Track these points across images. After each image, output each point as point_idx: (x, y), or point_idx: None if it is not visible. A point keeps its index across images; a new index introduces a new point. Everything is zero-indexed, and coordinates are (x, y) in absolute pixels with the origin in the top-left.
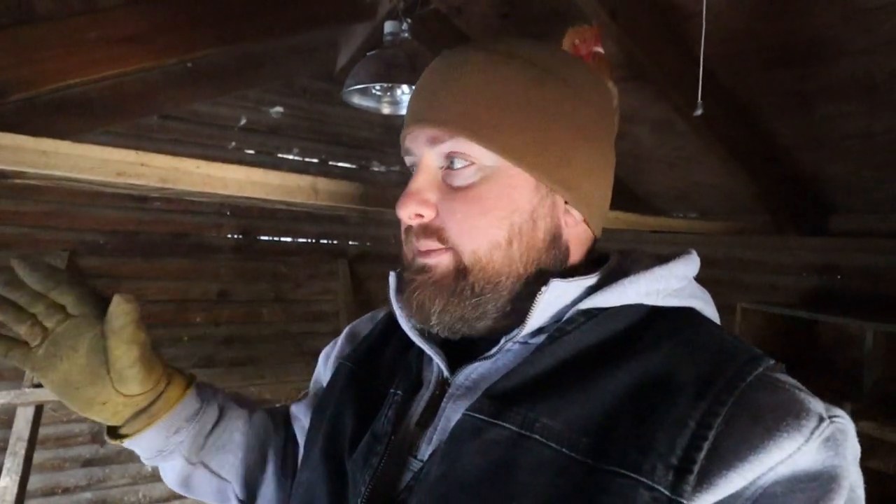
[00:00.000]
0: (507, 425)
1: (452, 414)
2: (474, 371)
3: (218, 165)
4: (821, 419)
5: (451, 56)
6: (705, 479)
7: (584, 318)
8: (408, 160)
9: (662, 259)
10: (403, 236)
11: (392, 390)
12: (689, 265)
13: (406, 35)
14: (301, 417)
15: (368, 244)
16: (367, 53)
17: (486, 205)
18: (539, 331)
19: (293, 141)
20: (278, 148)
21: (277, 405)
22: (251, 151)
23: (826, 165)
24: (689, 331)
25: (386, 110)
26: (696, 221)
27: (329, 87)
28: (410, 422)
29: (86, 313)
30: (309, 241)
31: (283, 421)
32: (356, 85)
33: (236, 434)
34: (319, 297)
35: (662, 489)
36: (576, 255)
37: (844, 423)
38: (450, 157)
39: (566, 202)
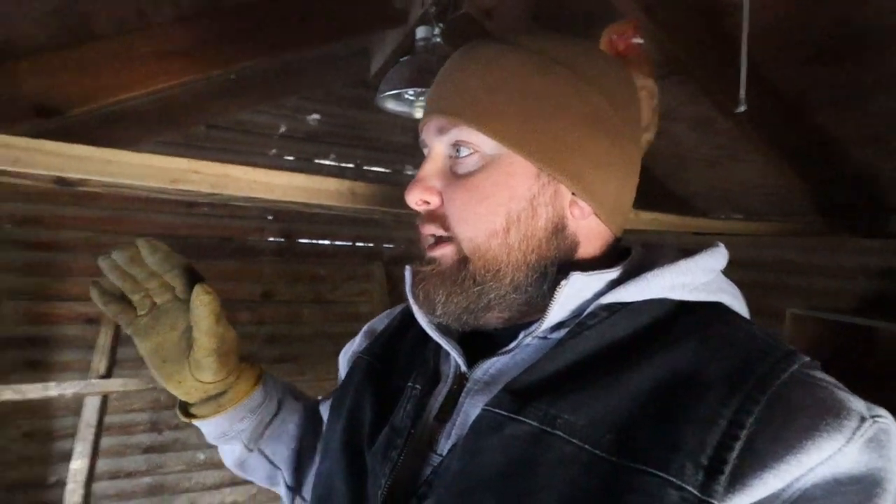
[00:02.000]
0: (528, 421)
1: (471, 409)
2: (492, 366)
3: (263, 171)
4: (863, 419)
5: (463, 50)
6: (738, 480)
7: (607, 313)
8: (425, 152)
9: (688, 253)
10: (418, 224)
11: (410, 384)
12: (715, 258)
13: (437, 40)
14: (324, 415)
15: (402, 247)
16: (400, 59)
17: (484, 192)
18: (559, 325)
19: (330, 147)
20: (316, 154)
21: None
22: (291, 158)
23: (883, 162)
24: (718, 326)
25: (419, 114)
26: (741, 223)
27: (363, 93)
28: (429, 416)
29: (189, 299)
30: (346, 244)
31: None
32: (389, 91)
33: (291, 426)
34: (356, 299)
35: (692, 489)
36: (589, 248)
37: (888, 423)
38: (456, 146)
39: (573, 193)
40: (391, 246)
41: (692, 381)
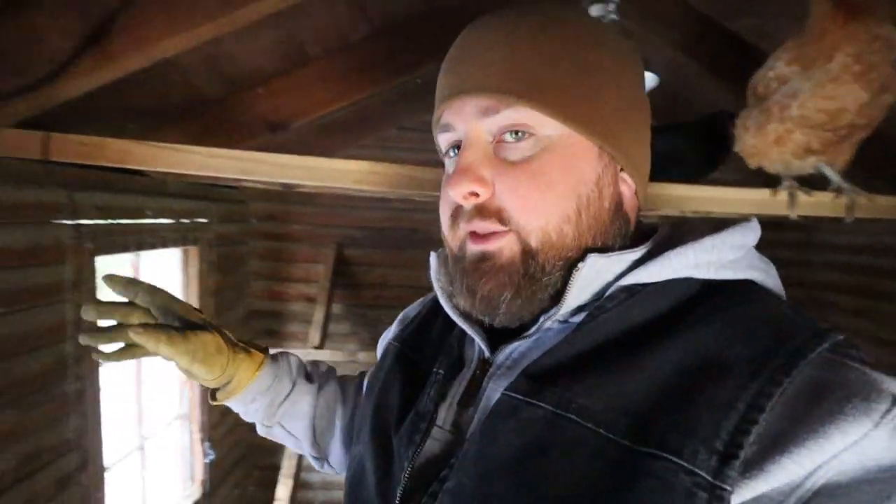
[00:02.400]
0: (543, 405)
1: (493, 393)
2: (515, 350)
3: (431, 170)
4: (894, 402)
5: (493, 21)
6: (756, 465)
7: (626, 295)
8: (445, 138)
9: (717, 229)
10: (449, 220)
11: (435, 370)
12: (745, 234)
13: (613, 17)
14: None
15: None
16: None
17: (552, 178)
18: (581, 308)
19: None
20: None
21: (356, 374)
22: None
23: None
24: (744, 306)
25: None
26: None
27: None
28: (453, 401)
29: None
30: None
31: (355, 391)
32: None
33: (304, 405)
34: None
35: (704, 474)
36: (630, 225)
37: None
38: (504, 129)
39: (622, 170)
40: None
41: (713, 363)
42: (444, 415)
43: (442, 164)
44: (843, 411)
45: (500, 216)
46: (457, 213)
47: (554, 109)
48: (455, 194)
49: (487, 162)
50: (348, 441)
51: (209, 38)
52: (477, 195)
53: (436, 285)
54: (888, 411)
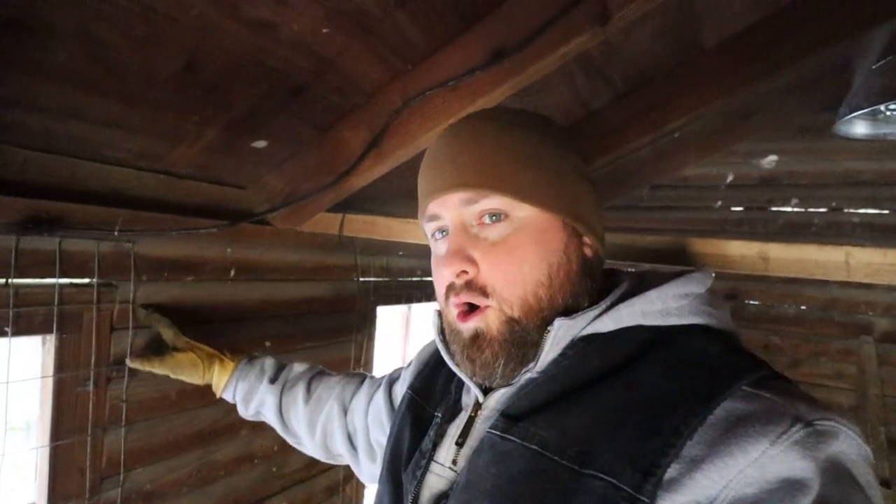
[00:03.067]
0: (514, 438)
1: (482, 432)
2: (503, 395)
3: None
4: (794, 423)
5: (460, 129)
6: (677, 482)
7: (584, 344)
8: (433, 225)
9: (666, 279)
10: (444, 295)
11: (437, 413)
12: (687, 285)
13: None
14: (361, 395)
15: None
16: (873, 66)
17: (525, 251)
18: (553, 358)
19: (791, 190)
20: (772, 200)
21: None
22: (739, 208)
23: None
24: (681, 349)
25: None
26: None
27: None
28: (452, 440)
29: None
30: (812, 308)
31: (339, 389)
32: (856, 111)
33: (269, 402)
34: (827, 382)
35: (628, 489)
36: (596, 281)
37: (827, 426)
38: (483, 215)
39: (583, 235)
40: (888, 316)
41: (649, 399)
42: (445, 453)
43: None
44: (746, 434)
45: (484, 291)
46: (449, 289)
47: (522, 195)
48: (449, 273)
49: (472, 244)
50: (312, 432)
51: None
52: (467, 272)
53: (438, 340)
54: (784, 432)
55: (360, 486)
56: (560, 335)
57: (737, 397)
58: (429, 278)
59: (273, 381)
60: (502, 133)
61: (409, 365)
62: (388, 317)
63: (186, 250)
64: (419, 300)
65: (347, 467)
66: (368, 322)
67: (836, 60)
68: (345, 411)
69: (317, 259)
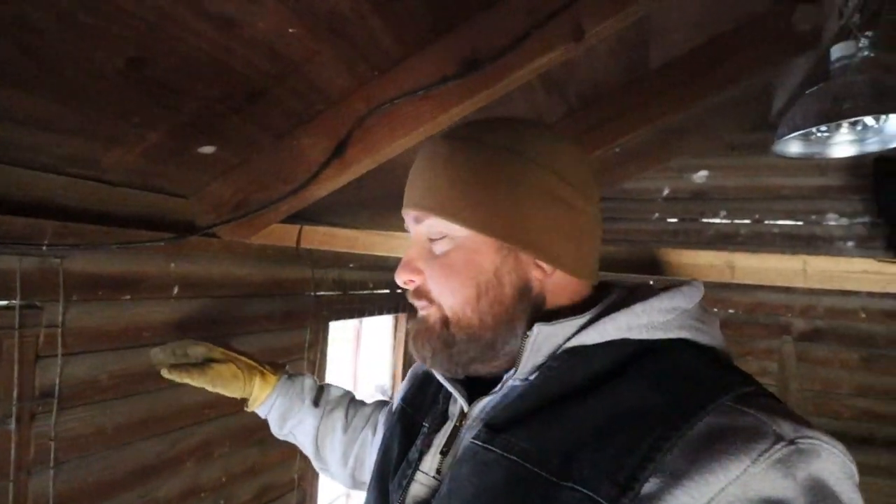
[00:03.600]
0: (495, 449)
1: (466, 442)
2: (487, 405)
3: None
4: (776, 441)
5: (427, 149)
6: (655, 497)
7: (568, 356)
8: (409, 235)
9: (655, 293)
10: (408, 298)
11: (423, 423)
12: (674, 299)
13: (866, 53)
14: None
15: (819, 321)
16: (807, 91)
17: (456, 269)
18: (538, 367)
19: (719, 203)
20: (703, 212)
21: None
22: (674, 220)
23: None
24: (665, 363)
25: (837, 153)
26: None
27: (761, 137)
28: (437, 450)
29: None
30: (739, 312)
31: (364, 418)
32: (791, 132)
33: (308, 425)
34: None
35: (605, 502)
36: (558, 300)
37: (809, 444)
38: (429, 231)
39: (535, 258)
40: (802, 319)
41: (631, 413)
42: (430, 462)
43: None
44: (727, 451)
45: (428, 296)
46: (407, 293)
47: (455, 218)
48: (398, 281)
49: (421, 256)
50: (345, 461)
51: (422, 138)
52: (413, 281)
53: (412, 350)
54: (766, 450)
55: None
56: (540, 340)
57: (719, 413)
58: (381, 291)
59: (315, 403)
60: (453, 154)
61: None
62: (339, 332)
63: (123, 266)
64: (371, 314)
65: (300, 493)
66: (321, 338)
67: (759, 85)
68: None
69: (268, 273)
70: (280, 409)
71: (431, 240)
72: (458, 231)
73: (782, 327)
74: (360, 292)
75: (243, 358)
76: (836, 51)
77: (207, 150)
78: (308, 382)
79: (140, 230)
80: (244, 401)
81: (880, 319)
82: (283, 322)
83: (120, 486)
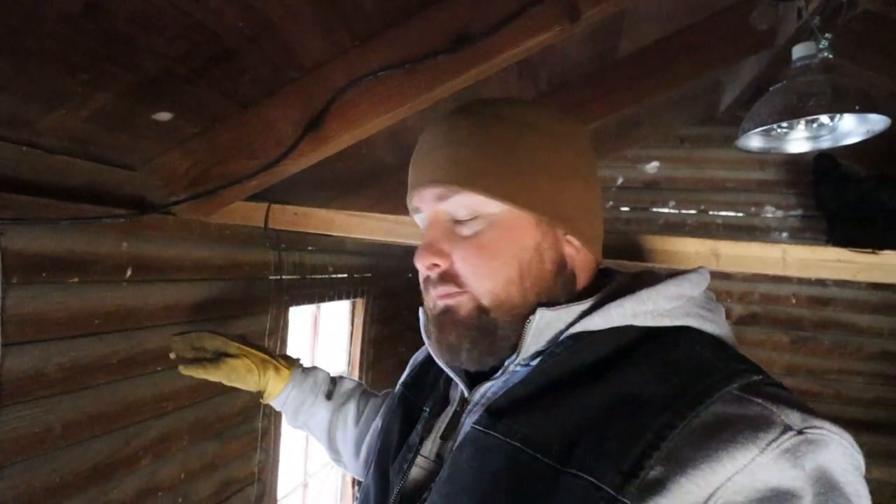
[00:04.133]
0: (496, 434)
1: (467, 427)
2: (488, 390)
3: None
4: (785, 431)
5: (442, 124)
6: (660, 485)
7: (572, 342)
8: (417, 218)
9: (661, 280)
10: (423, 288)
11: (424, 408)
12: (681, 286)
13: (825, 54)
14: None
15: (755, 305)
16: (771, 88)
17: (495, 248)
18: (539, 353)
19: (670, 193)
20: (654, 202)
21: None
22: (626, 209)
23: None
24: (670, 350)
25: (793, 148)
26: None
27: (709, 132)
28: (437, 434)
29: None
30: None
31: (374, 409)
32: (756, 127)
33: (321, 418)
34: None
35: (609, 490)
36: (582, 280)
37: (818, 435)
38: (455, 210)
39: (565, 233)
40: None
41: (635, 400)
42: (430, 447)
43: None
44: (734, 440)
45: (456, 281)
46: (427, 280)
47: (492, 192)
48: (420, 266)
49: (445, 238)
50: (357, 452)
51: (404, 116)
52: (438, 265)
53: (424, 337)
54: (774, 440)
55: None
56: (542, 325)
57: (726, 401)
58: (340, 275)
59: (328, 396)
60: (479, 128)
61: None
62: (297, 318)
63: (70, 245)
64: (331, 298)
65: (260, 486)
66: (282, 325)
67: (708, 81)
68: None
69: (227, 255)
70: (294, 403)
71: (457, 220)
72: (492, 207)
73: None
74: (320, 276)
75: (257, 352)
76: (798, 50)
77: (163, 116)
78: (321, 375)
79: (81, 204)
80: (259, 394)
81: (807, 304)
82: (244, 307)
83: (70, 490)
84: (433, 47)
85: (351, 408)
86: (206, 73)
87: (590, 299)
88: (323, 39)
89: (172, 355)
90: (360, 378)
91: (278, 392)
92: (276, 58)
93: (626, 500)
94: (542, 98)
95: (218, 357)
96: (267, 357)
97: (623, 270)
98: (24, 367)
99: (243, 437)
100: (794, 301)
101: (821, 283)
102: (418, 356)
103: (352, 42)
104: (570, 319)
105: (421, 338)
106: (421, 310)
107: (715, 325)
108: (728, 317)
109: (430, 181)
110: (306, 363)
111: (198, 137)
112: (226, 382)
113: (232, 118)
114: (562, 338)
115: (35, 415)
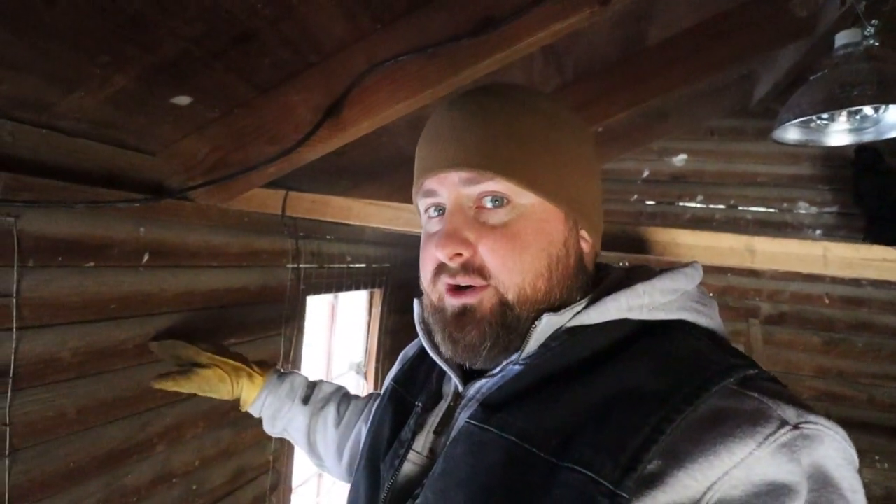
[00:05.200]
0: (491, 429)
1: (461, 422)
2: (483, 386)
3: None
4: (781, 425)
5: (469, 104)
6: (658, 479)
7: (568, 336)
8: (428, 201)
9: (656, 273)
10: (431, 275)
11: (416, 403)
12: (676, 280)
13: (871, 42)
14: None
15: (785, 305)
16: (811, 77)
17: (526, 240)
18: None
19: (696, 187)
20: (680, 196)
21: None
22: (651, 202)
23: None
24: (666, 344)
25: (832, 141)
26: None
27: (741, 124)
28: (430, 429)
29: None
30: (710, 295)
31: (357, 413)
32: (795, 118)
33: (299, 423)
34: None
35: (607, 484)
36: (591, 275)
37: (814, 430)
38: (482, 197)
39: (581, 228)
40: (769, 303)
41: (632, 394)
42: (423, 442)
43: None
44: (732, 434)
45: (482, 273)
46: (440, 268)
47: (527, 182)
48: (443, 255)
49: (469, 226)
50: (339, 456)
51: (425, 103)
52: (461, 255)
53: (419, 329)
54: (771, 434)
55: (286, 493)
56: (546, 329)
57: (723, 395)
58: (358, 265)
59: (305, 401)
60: (512, 114)
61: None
62: (315, 308)
63: (87, 229)
64: (348, 288)
65: (275, 475)
66: (298, 314)
67: (740, 72)
68: None
69: (244, 242)
70: (271, 409)
71: (481, 207)
72: (524, 198)
73: (750, 311)
74: (338, 266)
75: (230, 360)
76: (842, 38)
77: (182, 100)
78: (298, 380)
79: (99, 188)
80: (236, 401)
81: (840, 305)
82: (260, 296)
83: (84, 474)
84: (456, 31)
85: (330, 411)
86: (225, 55)
87: (585, 299)
88: (344, 23)
89: (153, 382)
90: (377, 368)
91: (253, 399)
92: (296, 41)
93: (624, 495)
94: (566, 87)
95: (189, 368)
96: (240, 365)
97: (615, 265)
98: (39, 351)
99: (258, 426)
100: (826, 301)
101: (855, 282)
102: (408, 351)
103: (373, 26)
104: (569, 318)
105: None
106: (417, 301)
107: (709, 319)
108: (756, 316)
109: (459, 164)
110: (323, 352)
111: (217, 122)
112: (199, 393)
113: (251, 103)
114: (556, 332)
115: (50, 399)
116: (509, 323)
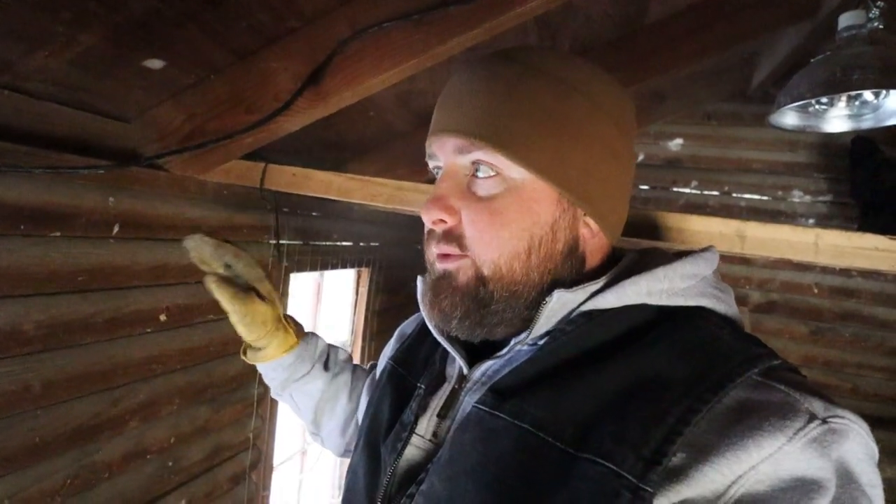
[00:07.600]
0: (503, 415)
1: (467, 406)
2: (490, 368)
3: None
4: (810, 420)
5: (480, 67)
6: (682, 472)
7: (584, 320)
8: (432, 164)
9: (679, 256)
10: (426, 240)
11: (418, 384)
12: (696, 264)
13: (876, 24)
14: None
15: (774, 293)
16: (813, 60)
17: (508, 217)
18: (547, 332)
19: (691, 173)
20: (675, 181)
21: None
22: (645, 187)
23: None
24: (688, 331)
25: (831, 128)
26: None
27: (738, 109)
28: (433, 413)
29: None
30: None
31: (361, 385)
32: (793, 102)
33: (314, 389)
34: None
35: (630, 477)
36: (592, 262)
37: (841, 425)
38: (475, 166)
39: (585, 214)
40: (759, 291)
41: (654, 383)
42: (426, 425)
43: None
44: (760, 427)
45: (460, 242)
46: (430, 234)
47: (518, 156)
48: (426, 220)
49: (458, 193)
50: (345, 428)
51: (409, 76)
52: (444, 221)
53: (423, 308)
54: (801, 429)
55: (267, 472)
56: (558, 307)
57: (747, 386)
58: (345, 243)
59: (325, 367)
60: (520, 81)
61: (392, 339)
62: (299, 286)
63: (52, 197)
64: (334, 267)
65: (256, 453)
66: (281, 292)
67: (739, 54)
68: None
69: (224, 217)
70: (288, 372)
71: (474, 176)
72: (515, 172)
73: (740, 299)
74: (324, 243)
75: (279, 308)
76: (846, 19)
77: (154, 63)
78: (321, 343)
79: (67, 154)
80: (247, 347)
81: (829, 295)
82: None
83: (50, 449)
84: None
85: (345, 380)
86: (199, 17)
87: (603, 278)
88: None
89: (193, 255)
90: (363, 348)
91: (276, 356)
92: (275, 3)
93: (648, 489)
94: None
95: (248, 290)
96: (286, 320)
97: (627, 248)
98: None
99: (238, 403)
100: (815, 291)
101: (845, 273)
102: (405, 329)
103: None
104: (583, 299)
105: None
106: (420, 279)
107: (727, 306)
108: (745, 304)
109: (454, 130)
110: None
111: (192, 89)
112: (235, 320)
113: (228, 69)
114: (572, 316)
115: (12, 372)
116: (481, 298)
